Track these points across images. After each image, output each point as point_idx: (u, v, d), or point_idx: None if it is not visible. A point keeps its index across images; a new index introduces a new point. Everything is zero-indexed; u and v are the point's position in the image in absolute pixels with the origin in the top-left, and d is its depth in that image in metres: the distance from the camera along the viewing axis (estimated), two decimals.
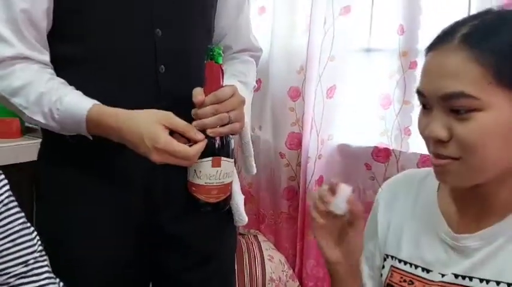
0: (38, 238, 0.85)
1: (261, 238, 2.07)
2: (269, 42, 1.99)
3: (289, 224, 2.07)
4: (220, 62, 0.95)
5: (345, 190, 0.80)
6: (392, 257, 0.87)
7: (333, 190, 0.81)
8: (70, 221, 1.05)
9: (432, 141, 0.75)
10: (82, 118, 0.94)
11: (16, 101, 0.97)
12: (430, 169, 0.86)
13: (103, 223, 1.05)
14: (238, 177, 1.16)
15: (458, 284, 0.78)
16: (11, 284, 0.81)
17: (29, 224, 0.85)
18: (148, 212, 1.07)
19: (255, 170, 1.14)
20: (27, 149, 1.71)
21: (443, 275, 0.80)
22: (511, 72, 0.70)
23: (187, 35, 1.06)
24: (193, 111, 0.96)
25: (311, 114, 1.93)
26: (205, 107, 0.94)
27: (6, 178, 0.84)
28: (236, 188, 1.08)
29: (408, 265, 0.85)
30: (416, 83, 0.78)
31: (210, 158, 0.96)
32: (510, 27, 0.72)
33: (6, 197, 0.82)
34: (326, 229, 0.83)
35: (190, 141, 0.93)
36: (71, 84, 0.99)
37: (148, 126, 0.91)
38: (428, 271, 0.82)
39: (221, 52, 0.95)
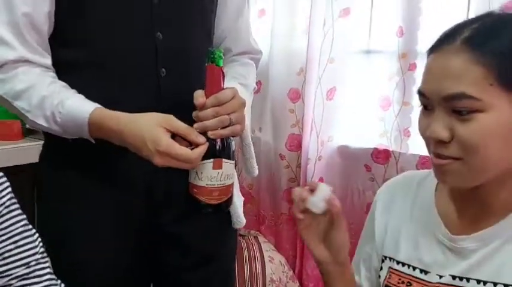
0: (39, 239, 0.86)
1: (261, 239, 2.07)
2: (269, 45, 2.00)
3: (290, 225, 2.07)
4: (221, 64, 0.95)
5: (323, 189, 0.81)
6: (390, 258, 0.88)
7: (312, 189, 0.82)
8: (72, 224, 1.05)
9: (433, 142, 0.75)
10: (84, 121, 0.95)
11: (19, 104, 0.97)
12: (429, 171, 0.87)
13: (104, 226, 1.05)
14: (239, 179, 1.17)
15: (455, 286, 0.79)
16: (13, 285, 0.81)
17: (30, 226, 0.85)
18: (150, 215, 1.07)
19: (256, 172, 1.15)
20: (28, 151, 1.72)
21: (440, 277, 0.80)
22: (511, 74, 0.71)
23: (188, 38, 1.07)
24: (194, 113, 0.97)
25: (311, 116, 1.93)
26: (206, 109, 0.95)
27: (7, 179, 0.84)
28: (235, 191, 1.09)
29: (406, 267, 0.85)
30: (416, 84, 0.79)
31: (211, 160, 0.96)
32: (510, 30, 0.73)
33: (8, 199, 0.82)
34: (311, 229, 0.84)
35: (192, 145, 0.94)
36: (72, 87, 0.99)
37: (151, 129, 0.92)
38: (426, 273, 0.82)
39: (222, 55, 0.95)
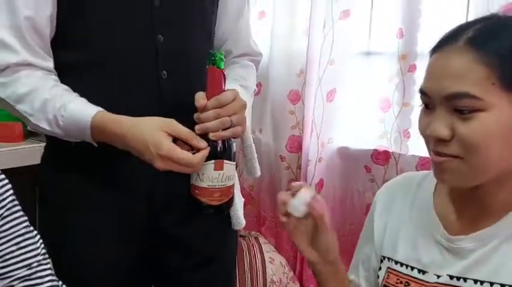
0: (41, 241, 0.86)
1: (262, 240, 2.07)
2: (269, 46, 2.00)
3: None
4: (222, 66, 0.96)
5: (303, 194, 0.82)
6: (388, 258, 0.88)
7: (294, 193, 0.83)
8: (73, 228, 1.06)
9: (433, 140, 0.76)
10: (86, 125, 0.95)
11: (21, 107, 0.97)
12: (428, 172, 0.87)
13: (106, 230, 1.05)
14: (239, 180, 1.17)
15: (453, 285, 0.79)
16: None
17: (32, 228, 0.85)
18: (151, 218, 1.07)
19: (259, 173, 1.15)
20: (29, 153, 1.72)
21: (438, 277, 0.81)
22: None
23: (189, 40, 1.07)
24: (195, 115, 0.97)
25: (311, 117, 1.94)
26: (208, 111, 0.95)
27: (9, 181, 0.84)
28: (236, 192, 1.09)
29: (404, 267, 0.85)
30: (416, 85, 0.80)
31: (213, 161, 0.97)
32: (511, 32, 0.74)
33: (10, 202, 0.82)
34: (299, 231, 0.85)
35: (193, 149, 0.94)
36: (74, 90, 1.00)
37: (152, 133, 0.92)
38: (424, 273, 0.83)
39: (223, 57, 0.96)
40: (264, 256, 1.97)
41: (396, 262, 0.87)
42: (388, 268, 0.88)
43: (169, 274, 1.14)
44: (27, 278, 0.82)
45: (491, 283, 0.76)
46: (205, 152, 0.94)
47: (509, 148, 0.73)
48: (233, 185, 1.02)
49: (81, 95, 0.99)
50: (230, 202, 1.03)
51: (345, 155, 1.94)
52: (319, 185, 1.95)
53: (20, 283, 0.81)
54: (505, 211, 0.77)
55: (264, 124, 2.09)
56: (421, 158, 1.72)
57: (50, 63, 1.01)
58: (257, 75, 1.24)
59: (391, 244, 0.88)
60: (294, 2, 1.97)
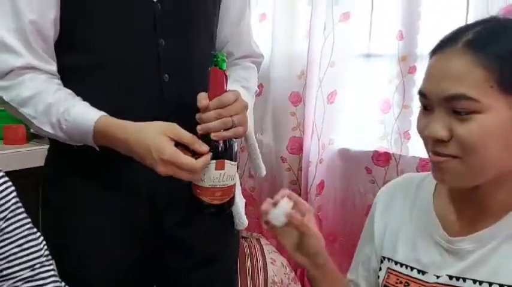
0: (44, 242, 0.86)
1: (263, 241, 2.07)
2: (270, 48, 2.01)
3: None
4: (224, 68, 0.96)
5: (283, 204, 0.86)
6: (388, 259, 0.89)
7: (275, 203, 0.86)
8: (76, 230, 1.06)
9: (431, 141, 0.76)
10: (89, 129, 0.95)
11: (25, 111, 0.98)
12: (428, 173, 0.87)
13: (109, 232, 1.06)
14: (240, 181, 1.17)
15: (452, 286, 0.79)
16: None
17: (35, 229, 0.86)
18: (154, 220, 1.08)
19: (264, 172, 1.15)
20: (32, 155, 1.73)
21: (437, 277, 0.81)
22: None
23: (191, 43, 1.08)
24: (197, 115, 0.97)
25: (312, 119, 1.94)
26: (209, 111, 0.96)
27: (12, 183, 0.84)
28: (237, 192, 1.10)
29: (404, 267, 0.86)
30: (416, 87, 0.80)
31: (214, 161, 0.97)
32: (510, 35, 0.74)
33: (14, 204, 0.83)
34: (286, 237, 0.87)
35: (195, 154, 0.94)
36: (77, 93, 1.00)
37: (154, 137, 0.92)
38: (423, 273, 0.83)
39: (225, 58, 0.96)
40: (265, 257, 1.97)
41: (396, 263, 0.87)
42: (388, 268, 0.88)
43: (170, 274, 1.15)
44: (30, 279, 0.83)
45: (490, 283, 0.76)
46: (207, 157, 0.95)
47: (507, 149, 0.73)
48: (234, 184, 1.03)
49: (84, 98, 1.00)
50: (231, 201, 1.04)
51: (346, 156, 1.94)
52: (320, 187, 1.95)
53: (23, 284, 0.82)
54: (504, 212, 0.78)
55: (265, 125, 2.09)
56: (422, 160, 1.73)
57: (54, 67, 1.01)
58: (258, 76, 1.25)
59: (391, 245, 0.89)
60: (295, 4, 1.97)
